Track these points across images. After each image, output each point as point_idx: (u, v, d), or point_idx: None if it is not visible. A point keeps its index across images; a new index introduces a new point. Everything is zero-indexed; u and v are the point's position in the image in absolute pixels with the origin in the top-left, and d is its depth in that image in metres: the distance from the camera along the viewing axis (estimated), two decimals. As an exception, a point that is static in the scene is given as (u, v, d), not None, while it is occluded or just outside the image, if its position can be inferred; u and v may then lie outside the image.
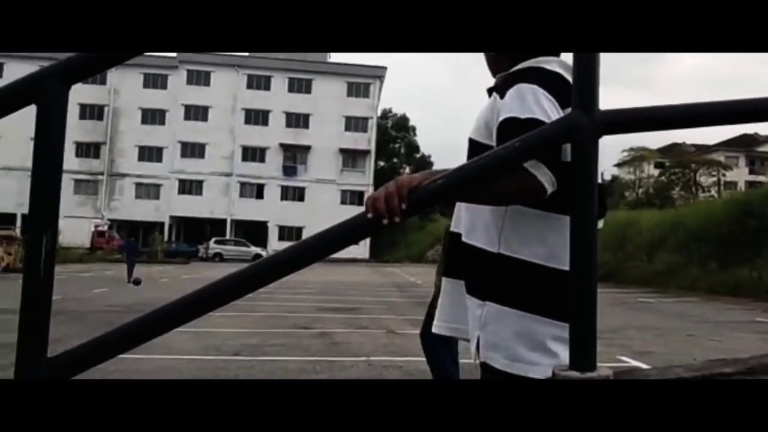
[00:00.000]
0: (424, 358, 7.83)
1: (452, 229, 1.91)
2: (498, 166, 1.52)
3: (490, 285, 1.74)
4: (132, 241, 25.84)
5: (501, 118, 1.68)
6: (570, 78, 1.73)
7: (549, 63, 1.78)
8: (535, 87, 1.70)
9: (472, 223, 1.79)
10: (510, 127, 1.66)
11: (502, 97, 1.73)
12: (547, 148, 1.69)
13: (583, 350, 1.60)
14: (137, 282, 17.67)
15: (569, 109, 1.66)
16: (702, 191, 50.80)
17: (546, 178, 1.63)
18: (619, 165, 57.28)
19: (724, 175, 52.98)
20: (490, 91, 1.87)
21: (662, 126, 1.69)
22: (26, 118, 1.59)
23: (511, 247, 1.73)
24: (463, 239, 1.81)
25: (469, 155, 1.78)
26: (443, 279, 1.94)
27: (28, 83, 1.53)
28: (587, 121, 1.58)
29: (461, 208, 1.85)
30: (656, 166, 55.10)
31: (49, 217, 1.50)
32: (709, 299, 19.08)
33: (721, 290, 20.67)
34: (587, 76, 1.63)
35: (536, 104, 1.68)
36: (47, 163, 1.51)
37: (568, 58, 1.72)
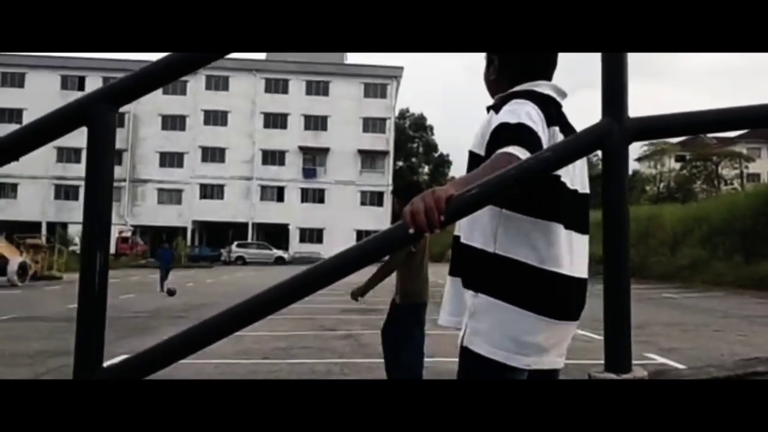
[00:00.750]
0: (450, 359, 7.87)
1: (455, 233, 2.09)
2: (530, 173, 1.56)
3: (483, 279, 1.94)
4: (167, 248, 23.69)
5: (493, 127, 1.88)
6: (560, 99, 2.05)
7: (541, 86, 2.02)
8: (527, 101, 1.92)
9: (471, 227, 1.98)
10: (500, 131, 1.84)
11: (497, 113, 1.94)
12: (577, 155, 1.73)
13: (618, 352, 1.64)
14: (171, 292, 17.01)
15: (555, 127, 1.92)
16: (724, 184, 50.24)
17: (521, 155, 1.80)
18: (639, 159, 56.82)
19: (746, 166, 52.37)
20: (488, 109, 2.07)
21: (694, 131, 1.72)
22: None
23: (505, 248, 1.92)
24: (463, 241, 2.01)
25: (469, 167, 2.00)
26: (448, 277, 2.12)
27: (78, 107, 1.59)
28: (617, 128, 1.62)
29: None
30: (677, 159, 54.56)
31: (101, 235, 1.56)
32: (735, 293, 18.91)
33: (747, 284, 20.47)
34: (616, 84, 1.68)
35: (526, 114, 1.87)
36: (99, 183, 1.57)
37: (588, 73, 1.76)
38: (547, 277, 1.92)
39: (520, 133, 1.81)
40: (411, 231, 1.49)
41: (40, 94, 51.37)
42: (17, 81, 54.49)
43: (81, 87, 52.95)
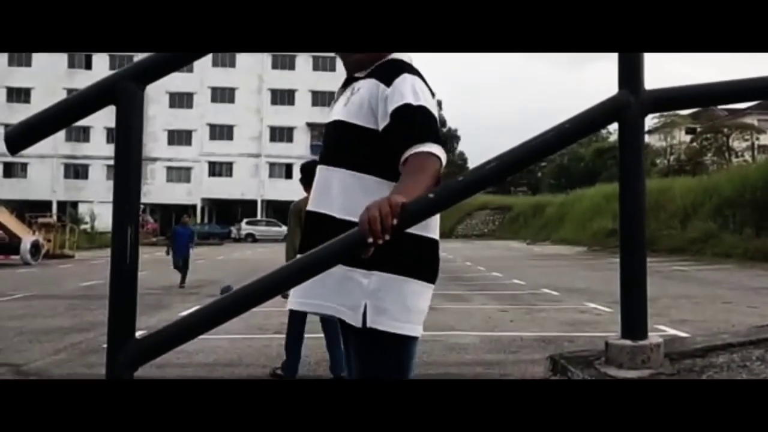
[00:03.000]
0: (462, 332, 7.96)
1: (311, 208, 2.00)
2: (552, 144, 1.60)
3: (376, 256, 1.81)
4: (187, 224, 16.17)
5: (398, 104, 1.85)
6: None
7: (408, 57, 2.02)
8: (416, 76, 1.93)
9: (350, 202, 1.87)
10: (408, 116, 1.84)
11: (386, 83, 1.89)
12: (594, 128, 1.76)
13: (634, 320, 1.68)
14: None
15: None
16: (735, 156, 49.89)
17: (442, 156, 1.82)
18: (649, 132, 56.37)
19: (757, 138, 51.93)
20: (354, 79, 2.01)
21: (708, 103, 1.75)
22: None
23: None
24: (342, 217, 1.88)
25: (335, 137, 1.96)
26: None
27: (106, 85, 1.63)
28: (634, 100, 1.65)
29: (330, 189, 1.93)
30: (687, 132, 54.16)
31: (131, 210, 1.61)
32: (745, 266, 18.88)
33: (757, 257, 20.41)
34: (632, 56, 1.70)
35: (423, 94, 1.90)
36: (127, 159, 1.61)
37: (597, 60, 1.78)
38: (428, 244, 1.94)
39: (431, 126, 1.86)
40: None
41: (48, 73, 51.39)
42: (24, 60, 54.47)
43: (88, 66, 52.93)
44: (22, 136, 1.62)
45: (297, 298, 1.99)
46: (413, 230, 1.85)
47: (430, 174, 1.73)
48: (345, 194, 1.89)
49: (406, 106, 1.84)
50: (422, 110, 1.86)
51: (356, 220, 1.76)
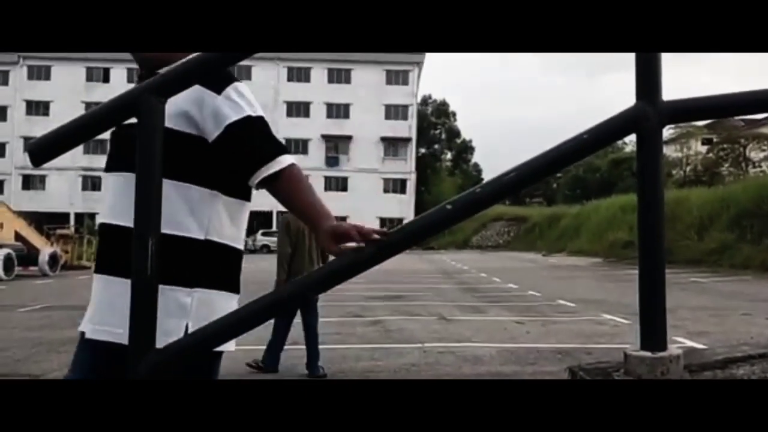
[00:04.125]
0: (478, 344, 7.94)
1: (111, 221, 1.86)
2: (570, 156, 1.60)
3: (199, 272, 1.82)
4: None
5: (238, 117, 1.80)
6: None
7: None
8: (244, 85, 1.88)
9: (171, 214, 1.74)
10: (249, 125, 1.81)
11: (215, 90, 1.81)
12: (611, 139, 1.76)
13: (653, 331, 1.68)
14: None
15: None
16: (752, 166, 49.49)
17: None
18: (665, 143, 55.99)
19: (775, 149, 51.52)
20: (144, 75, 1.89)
21: (727, 114, 1.75)
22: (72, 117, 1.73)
23: (218, 233, 1.86)
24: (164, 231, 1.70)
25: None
26: (99, 279, 1.91)
27: (128, 98, 1.65)
28: (652, 111, 1.65)
29: (125, 199, 1.73)
30: (704, 142, 53.84)
31: (152, 222, 1.62)
32: (764, 277, 18.70)
33: (776, 268, 20.24)
34: (649, 67, 1.70)
35: (254, 100, 1.87)
36: (148, 172, 1.62)
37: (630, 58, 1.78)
38: (239, 257, 1.94)
39: (273, 135, 1.86)
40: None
41: (67, 86, 52.00)
42: (44, 74, 55.16)
43: (106, 79, 53.48)
44: (46, 148, 1.65)
45: (94, 324, 1.87)
46: (227, 241, 1.87)
47: (309, 186, 1.85)
48: (164, 206, 1.68)
49: (248, 119, 1.81)
50: (262, 121, 1.84)
51: (177, 233, 1.76)
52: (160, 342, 1.64)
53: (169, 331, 1.72)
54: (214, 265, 1.85)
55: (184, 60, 1.69)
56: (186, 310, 1.80)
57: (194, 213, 1.82)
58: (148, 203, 1.62)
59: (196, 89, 1.76)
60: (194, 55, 1.67)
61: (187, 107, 1.79)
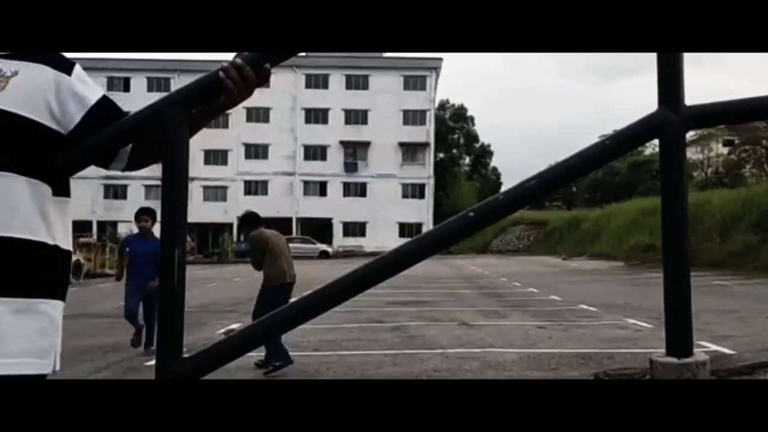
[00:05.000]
0: (500, 349, 7.91)
1: None
2: (593, 161, 1.60)
3: (51, 280, 1.62)
4: (145, 236, 9.45)
5: (96, 99, 1.66)
6: None
7: None
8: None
9: (30, 216, 1.54)
10: (108, 103, 1.70)
11: (65, 71, 1.63)
12: (633, 145, 1.76)
13: (679, 337, 1.67)
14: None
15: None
16: (775, 168, 48.93)
17: None
18: (686, 145, 55.46)
19: (798, 150, 50.89)
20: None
21: (750, 118, 1.74)
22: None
23: (60, 237, 1.64)
24: (28, 237, 1.53)
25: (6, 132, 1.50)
26: None
27: (153, 110, 1.68)
28: (674, 117, 1.64)
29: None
30: (725, 143, 53.32)
31: (178, 232, 1.64)
32: (789, 280, 18.47)
33: (801, 270, 19.98)
34: (671, 72, 1.69)
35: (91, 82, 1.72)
36: (174, 183, 1.65)
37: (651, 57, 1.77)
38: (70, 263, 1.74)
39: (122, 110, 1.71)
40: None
41: (87, 96, 52.52)
42: (65, 84, 55.80)
43: (126, 88, 54.00)
44: (75, 160, 1.68)
45: None
46: (67, 246, 1.66)
47: None
48: (22, 207, 1.51)
49: (105, 99, 1.70)
50: (105, 100, 1.70)
51: (25, 237, 1.51)
52: (38, 368, 1.50)
53: (43, 351, 1.55)
54: (58, 272, 1.65)
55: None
56: (55, 325, 1.59)
57: (43, 214, 1.57)
58: (174, 214, 1.64)
59: (46, 70, 1.57)
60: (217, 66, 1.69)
61: (39, 91, 1.56)
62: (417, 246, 1.63)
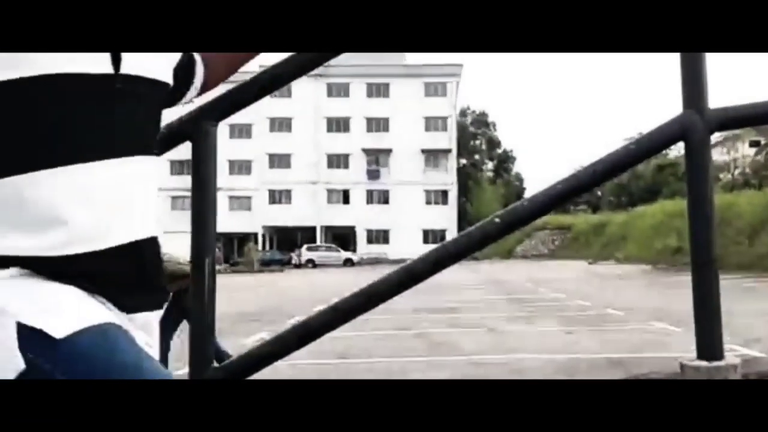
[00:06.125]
0: (527, 355, 7.87)
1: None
2: (618, 166, 1.61)
3: None
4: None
5: None
6: None
7: None
8: None
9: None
10: None
11: None
12: (658, 149, 1.76)
13: (709, 341, 1.66)
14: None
15: None
16: (805, 168, 48.20)
17: None
18: (711, 146, 54.93)
19: (827, 149, 50.10)
20: None
21: (776, 120, 1.73)
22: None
23: None
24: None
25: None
26: None
27: (183, 122, 1.71)
28: (699, 120, 1.64)
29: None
30: (751, 144, 52.65)
31: (208, 243, 1.67)
32: (820, 281, 18.16)
33: (833, 271, 19.64)
34: (695, 75, 1.69)
35: None
36: (203, 194, 1.68)
37: (675, 58, 1.77)
38: None
39: None
40: None
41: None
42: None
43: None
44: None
45: None
46: None
47: None
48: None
49: None
50: None
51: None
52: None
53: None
54: None
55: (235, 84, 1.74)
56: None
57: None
58: (204, 225, 1.68)
59: None
60: (245, 79, 1.72)
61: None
62: (444, 252, 1.65)
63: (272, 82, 1.73)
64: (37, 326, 1.05)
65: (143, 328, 1.22)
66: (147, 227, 1.21)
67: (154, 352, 1.25)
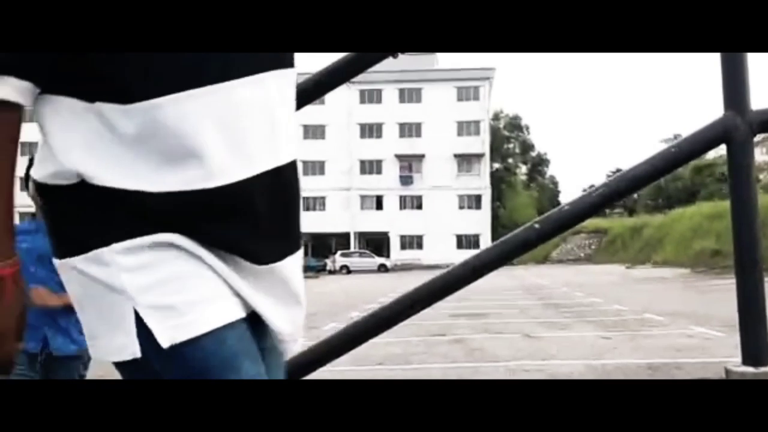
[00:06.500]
0: (564, 361, 7.80)
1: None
2: (659, 169, 1.60)
3: None
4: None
5: None
6: None
7: None
8: None
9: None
10: None
11: None
12: (700, 151, 1.75)
13: (755, 346, 1.64)
14: None
15: None
16: None
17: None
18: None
19: None
20: None
21: (821, 120, 1.70)
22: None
23: None
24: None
25: None
26: None
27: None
28: (741, 121, 1.63)
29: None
30: (794, 143, 51.57)
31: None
32: None
33: None
34: (737, 77, 1.68)
35: None
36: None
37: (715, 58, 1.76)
38: None
39: None
40: None
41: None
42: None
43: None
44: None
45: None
46: None
47: None
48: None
49: None
50: None
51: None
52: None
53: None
54: None
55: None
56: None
57: None
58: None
59: None
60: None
61: None
62: (485, 258, 1.65)
63: (316, 90, 1.75)
64: (150, 325, 1.03)
65: (285, 283, 1.20)
66: (290, 150, 1.13)
67: (297, 346, 1.26)
